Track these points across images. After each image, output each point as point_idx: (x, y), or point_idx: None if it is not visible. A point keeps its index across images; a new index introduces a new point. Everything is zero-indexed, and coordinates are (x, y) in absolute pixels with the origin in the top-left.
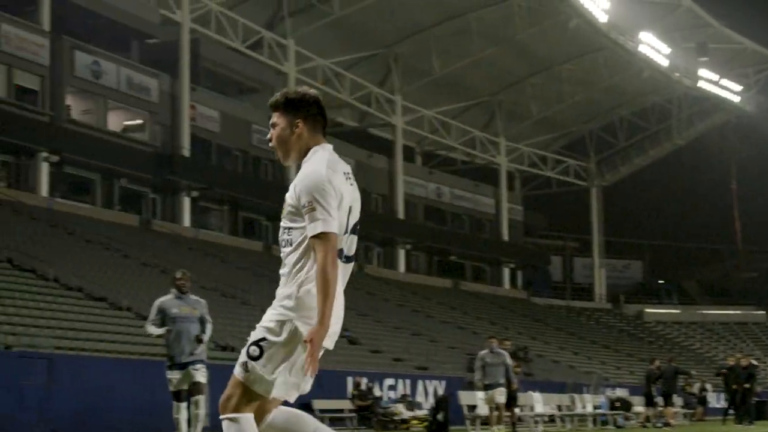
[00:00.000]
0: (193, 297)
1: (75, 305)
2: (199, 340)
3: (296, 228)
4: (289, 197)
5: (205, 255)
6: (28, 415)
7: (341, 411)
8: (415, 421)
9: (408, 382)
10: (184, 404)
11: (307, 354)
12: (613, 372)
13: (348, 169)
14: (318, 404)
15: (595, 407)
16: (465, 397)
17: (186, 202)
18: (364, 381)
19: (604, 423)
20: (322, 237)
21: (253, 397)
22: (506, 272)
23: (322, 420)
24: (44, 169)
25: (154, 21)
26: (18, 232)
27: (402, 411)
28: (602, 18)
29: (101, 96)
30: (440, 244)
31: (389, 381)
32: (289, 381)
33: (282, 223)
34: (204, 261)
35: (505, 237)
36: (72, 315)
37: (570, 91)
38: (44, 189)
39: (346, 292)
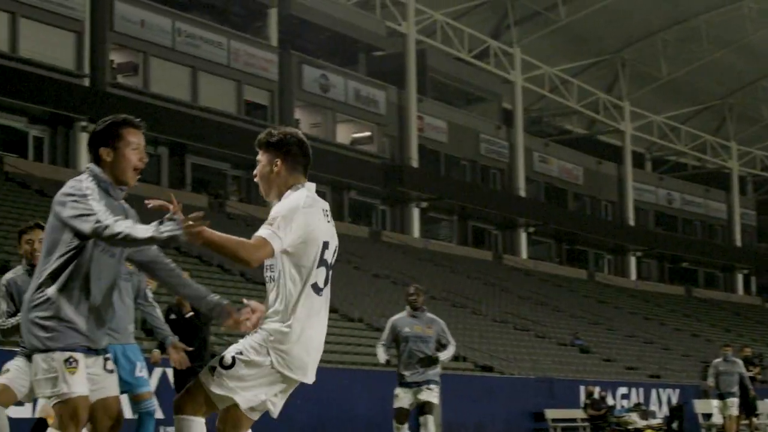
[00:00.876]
0: (429, 315)
1: None
2: (433, 360)
3: (275, 265)
4: None
5: (434, 265)
6: (263, 427)
7: (574, 420)
8: (649, 431)
9: (641, 390)
10: (405, 426)
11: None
12: None
13: (326, 206)
14: (550, 414)
15: None
16: (700, 406)
17: (415, 213)
18: (596, 390)
19: None
20: (261, 242)
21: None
22: (740, 278)
23: (554, 430)
24: None
25: (380, 33)
26: None
27: (636, 420)
28: None
29: (329, 109)
30: (672, 251)
31: (622, 390)
32: (249, 399)
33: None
34: (434, 271)
35: (738, 242)
36: None
37: None
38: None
39: (574, 300)
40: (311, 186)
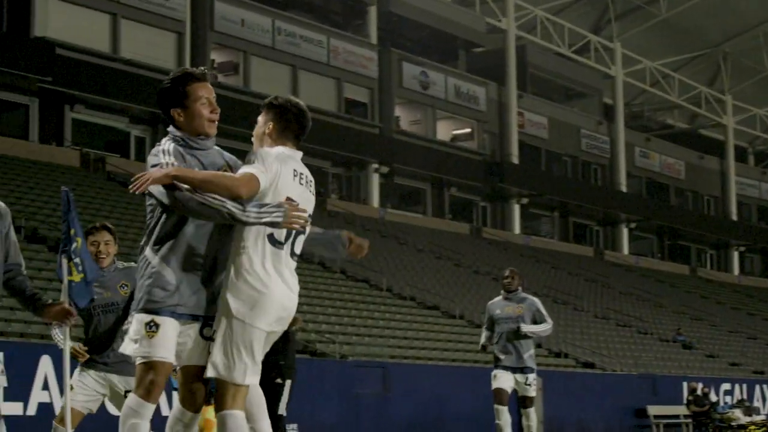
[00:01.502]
0: (521, 295)
1: (408, 314)
2: (520, 336)
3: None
4: None
5: (536, 261)
6: (364, 423)
7: (677, 417)
8: (752, 427)
9: (745, 386)
10: (505, 408)
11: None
12: None
13: (304, 171)
14: (653, 410)
15: None
16: None
17: (516, 209)
18: (699, 386)
19: None
20: (250, 176)
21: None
22: None
23: (657, 426)
24: (375, 181)
25: (480, 30)
26: None
27: (739, 416)
28: None
29: (429, 106)
30: None
31: (725, 386)
32: None
33: None
34: (535, 267)
35: None
36: (405, 324)
37: None
38: (375, 200)
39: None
40: (297, 152)
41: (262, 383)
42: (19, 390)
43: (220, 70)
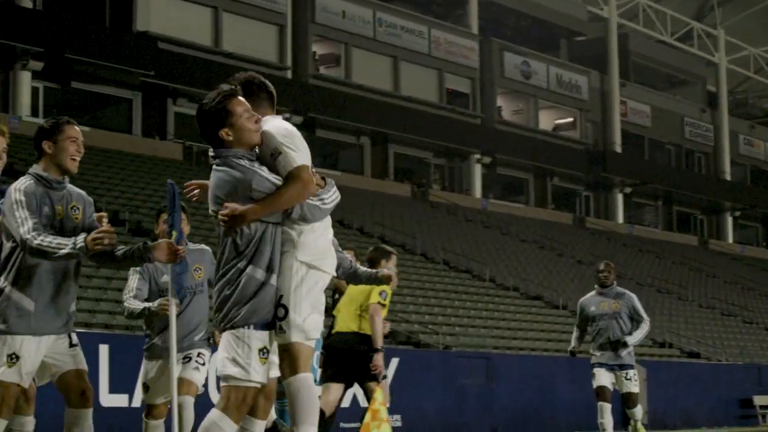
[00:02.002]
0: (617, 290)
1: (511, 304)
2: (623, 344)
3: None
4: None
5: (639, 251)
6: (468, 414)
7: None
8: None
9: None
10: (608, 406)
11: None
12: None
13: None
14: (759, 400)
15: None
16: None
17: (619, 199)
18: None
19: None
20: (304, 168)
21: None
22: None
23: (762, 417)
24: (477, 171)
25: (581, 18)
26: (453, 234)
27: None
28: None
29: (531, 96)
30: None
31: None
32: None
33: None
34: (638, 257)
35: None
36: (508, 315)
37: None
38: (478, 190)
39: None
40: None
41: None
42: (123, 383)
43: (322, 62)
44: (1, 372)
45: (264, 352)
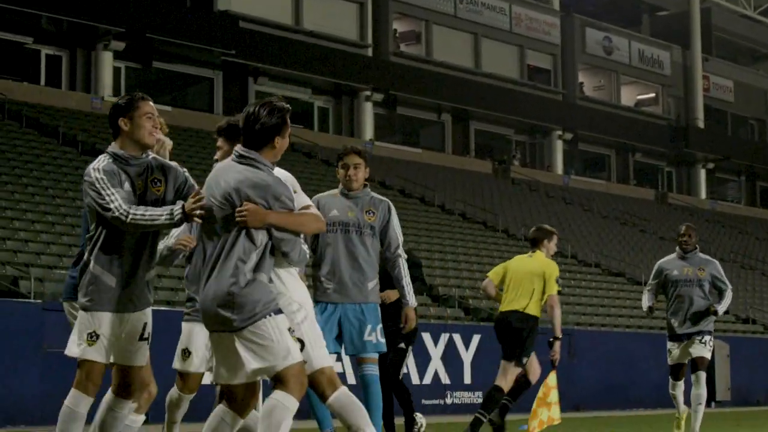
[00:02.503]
0: (701, 256)
1: (593, 281)
2: (713, 312)
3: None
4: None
5: (722, 227)
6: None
7: None
8: None
9: None
10: (680, 382)
11: None
12: None
13: None
14: None
15: None
16: None
17: (701, 174)
18: None
19: None
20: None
21: None
22: None
23: None
24: (558, 147)
25: None
26: (535, 211)
27: None
28: None
29: (613, 71)
30: None
31: None
32: None
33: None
34: (721, 233)
35: None
36: (590, 291)
37: None
38: (559, 166)
39: None
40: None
41: (389, 347)
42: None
43: (402, 39)
44: (82, 349)
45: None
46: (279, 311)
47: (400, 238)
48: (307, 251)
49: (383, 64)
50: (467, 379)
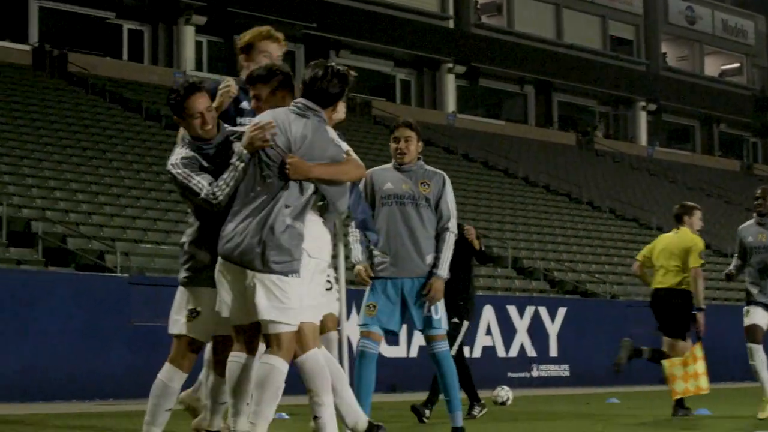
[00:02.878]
0: None
1: None
2: None
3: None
4: None
5: None
6: (637, 364)
7: None
8: None
9: None
10: (759, 347)
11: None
12: None
13: None
14: None
15: None
16: None
17: None
18: None
19: None
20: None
21: None
22: None
23: None
24: (642, 118)
25: None
26: (618, 182)
27: None
28: None
29: (696, 41)
30: None
31: None
32: None
33: None
34: None
35: None
36: None
37: None
38: (643, 138)
39: None
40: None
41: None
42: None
43: (483, 11)
44: (182, 324)
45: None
46: (298, 273)
47: (453, 212)
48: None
49: (465, 35)
50: (553, 352)
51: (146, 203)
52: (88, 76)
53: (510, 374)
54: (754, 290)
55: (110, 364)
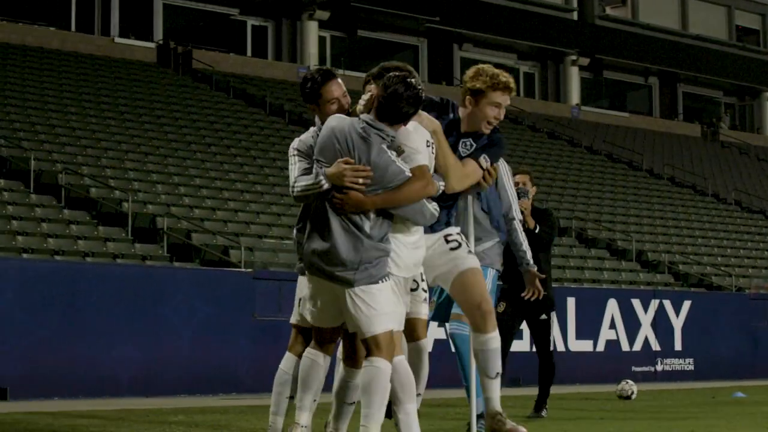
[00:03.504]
0: None
1: None
2: None
3: None
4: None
5: None
6: (763, 357)
7: None
8: None
9: None
10: None
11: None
12: None
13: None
14: None
15: None
16: None
17: None
18: None
19: None
20: None
21: None
22: None
23: None
24: None
25: None
26: (745, 174)
27: None
28: None
29: None
30: None
31: None
32: None
33: None
34: None
35: None
36: None
37: None
38: None
39: None
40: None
41: (530, 321)
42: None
43: (607, 2)
44: (298, 312)
45: None
46: (388, 276)
47: (512, 200)
48: (436, 206)
49: (589, 27)
50: (677, 346)
51: (270, 198)
52: (213, 73)
53: (634, 368)
54: None
55: (234, 358)
